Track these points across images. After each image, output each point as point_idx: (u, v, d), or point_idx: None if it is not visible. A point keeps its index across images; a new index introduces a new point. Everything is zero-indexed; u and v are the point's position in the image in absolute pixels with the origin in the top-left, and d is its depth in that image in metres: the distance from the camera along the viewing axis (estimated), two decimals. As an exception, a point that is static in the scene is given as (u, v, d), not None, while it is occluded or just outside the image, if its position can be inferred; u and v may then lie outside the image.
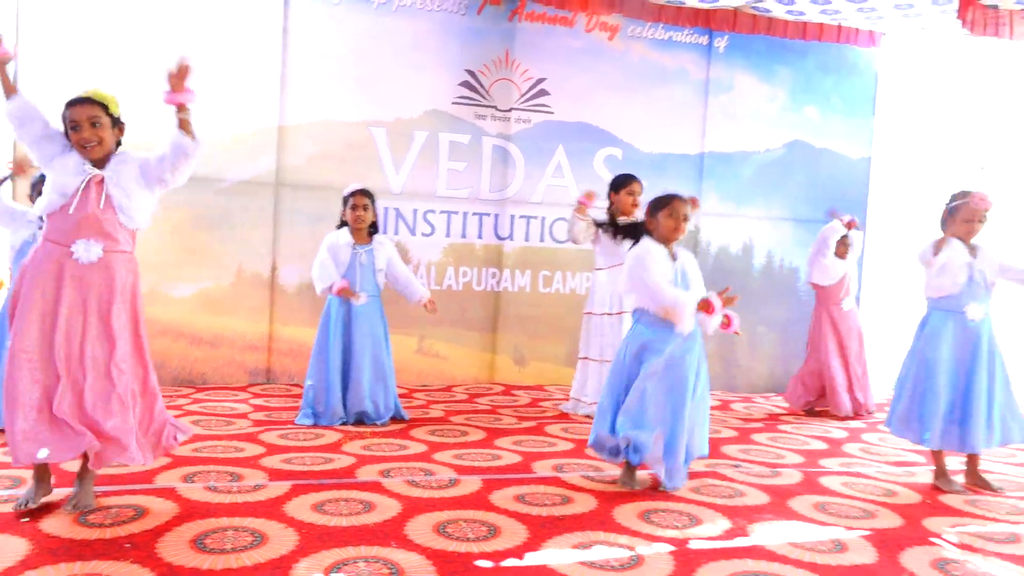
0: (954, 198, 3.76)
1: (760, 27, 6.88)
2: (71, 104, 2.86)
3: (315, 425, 4.57)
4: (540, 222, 6.77)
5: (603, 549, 2.70)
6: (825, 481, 3.76)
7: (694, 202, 3.66)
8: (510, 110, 6.64)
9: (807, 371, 6.06)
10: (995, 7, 5.52)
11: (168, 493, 3.10)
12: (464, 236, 6.62)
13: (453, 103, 6.52)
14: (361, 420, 4.70)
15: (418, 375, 6.49)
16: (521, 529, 2.87)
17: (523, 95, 6.66)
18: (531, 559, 2.58)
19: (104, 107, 2.86)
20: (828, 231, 5.95)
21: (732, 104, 7.19)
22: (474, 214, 6.63)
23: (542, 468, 3.76)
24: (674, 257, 3.49)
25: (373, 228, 4.92)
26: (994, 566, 2.73)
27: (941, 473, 3.77)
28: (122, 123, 2.97)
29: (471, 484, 3.43)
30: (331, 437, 4.27)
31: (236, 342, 6.10)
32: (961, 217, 3.68)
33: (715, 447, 4.31)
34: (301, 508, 2.99)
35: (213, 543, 2.60)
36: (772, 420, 5.57)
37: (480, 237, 6.66)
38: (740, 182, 7.25)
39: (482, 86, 6.58)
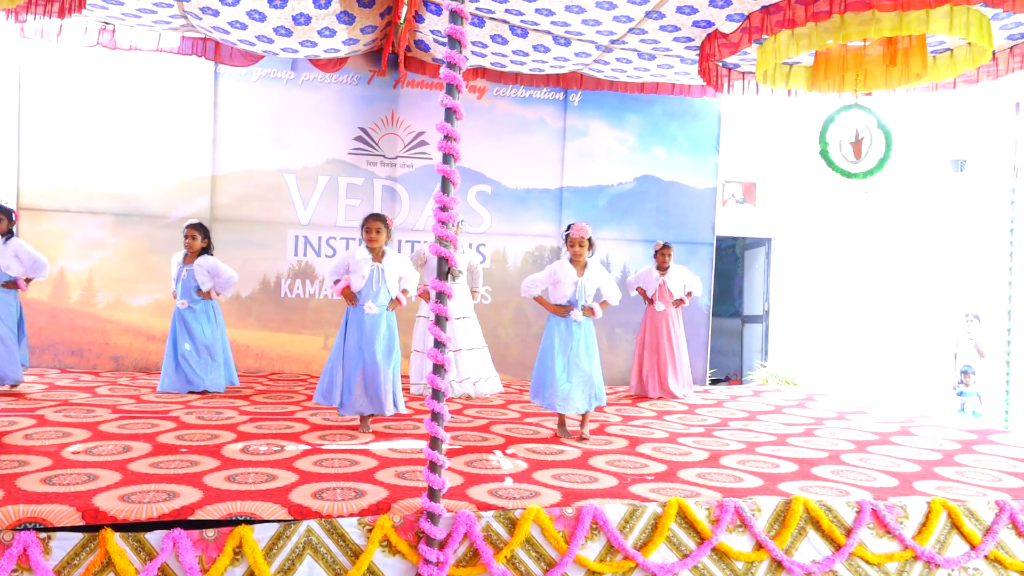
0: (567, 228, 5.23)
1: (604, 85, 8.43)
2: None
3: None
4: (424, 245, 8.49)
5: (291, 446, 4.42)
6: (496, 428, 5.35)
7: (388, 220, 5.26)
8: (396, 157, 8.43)
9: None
10: (736, 66, 6.95)
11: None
12: (360, 257, 8.40)
13: (349, 154, 8.36)
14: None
15: (322, 365, 8.26)
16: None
17: (406, 145, 8.44)
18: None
19: None
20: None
21: (587, 147, 8.78)
22: (368, 239, 8.40)
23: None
24: (379, 260, 5.14)
25: (204, 251, 6.55)
26: (505, 460, 4.31)
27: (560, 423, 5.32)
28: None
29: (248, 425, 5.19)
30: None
31: (180, 339, 8.03)
32: (569, 243, 5.17)
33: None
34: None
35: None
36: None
37: (373, 258, 8.43)
38: (596, 211, 8.80)
39: (372, 139, 8.39)
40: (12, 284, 6.12)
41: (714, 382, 9.99)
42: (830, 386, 9.66)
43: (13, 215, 6.24)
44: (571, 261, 5.21)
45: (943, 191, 10.80)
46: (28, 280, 6.22)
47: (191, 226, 6.56)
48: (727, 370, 12.18)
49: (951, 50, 6.08)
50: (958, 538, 3.81)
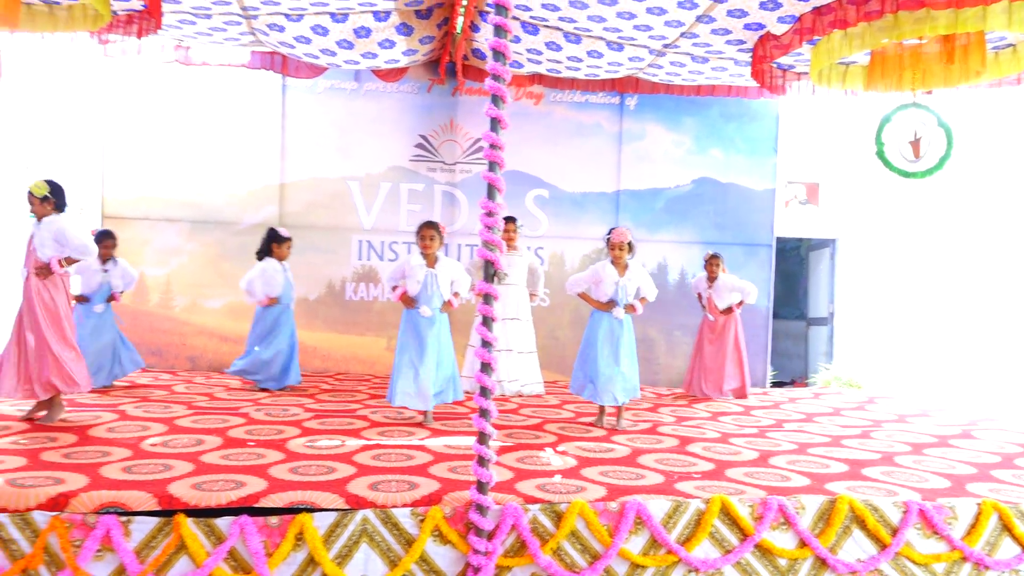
0: (608, 232, 5.62)
1: (660, 88, 8.47)
2: None
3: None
4: (481, 249, 8.70)
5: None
6: (549, 427, 5.49)
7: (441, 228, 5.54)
8: (455, 163, 8.65)
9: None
10: (791, 67, 6.93)
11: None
12: (421, 261, 8.65)
13: (410, 160, 8.61)
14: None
15: (386, 367, 8.55)
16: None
17: (465, 151, 8.65)
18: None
19: (31, 193, 4.92)
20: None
21: (643, 150, 8.84)
22: (429, 244, 8.64)
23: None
24: (432, 265, 5.46)
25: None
26: (555, 457, 4.45)
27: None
28: (51, 199, 4.94)
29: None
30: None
31: (252, 341, 8.41)
32: (609, 246, 5.51)
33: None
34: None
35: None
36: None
37: (434, 261, 8.67)
38: (653, 213, 8.85)
39: (432, 146, 8.63)
40: (111, 297, 6.72)
41: (776, 384, 9.91)
42: (896, 389, 9.48)
43: (114, 237, 6.75)
44: (612, 263, 5.53)
45: (1021, 189, 10.46)
46: (121, 292, 6.83)
47: (289, 236, 7.08)
48: (792, 373, 12.04)
49: (1013, 46, 5.96)
50: (1009, 540, 3.78)
